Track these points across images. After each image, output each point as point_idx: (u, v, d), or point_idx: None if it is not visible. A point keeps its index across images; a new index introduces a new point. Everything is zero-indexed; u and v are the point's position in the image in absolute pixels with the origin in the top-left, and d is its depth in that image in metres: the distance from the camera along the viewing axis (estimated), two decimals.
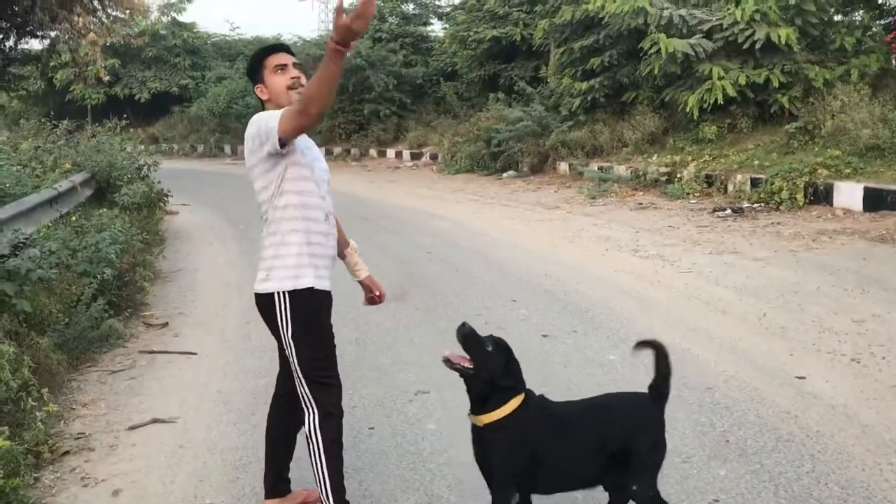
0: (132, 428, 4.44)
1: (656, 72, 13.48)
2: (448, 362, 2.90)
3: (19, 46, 15.96)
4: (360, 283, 3.50)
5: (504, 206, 12.72)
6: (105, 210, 8.42)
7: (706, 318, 5.94)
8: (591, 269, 7.81)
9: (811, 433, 3.92)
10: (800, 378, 4.64)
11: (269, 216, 3.09)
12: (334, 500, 3.05)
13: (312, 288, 3.05)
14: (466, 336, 2.90)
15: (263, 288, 3.08)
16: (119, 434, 4.37)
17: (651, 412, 2.99)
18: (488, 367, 2.86)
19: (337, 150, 23.18)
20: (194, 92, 30.83)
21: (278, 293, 3.03)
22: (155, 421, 4.51)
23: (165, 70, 31.73)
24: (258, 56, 3.19)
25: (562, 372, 4.98)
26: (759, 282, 6.88)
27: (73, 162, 9.85)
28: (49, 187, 7.78)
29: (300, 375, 3.07)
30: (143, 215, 9.55)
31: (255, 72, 3.18)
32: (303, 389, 3.09)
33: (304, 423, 3.10)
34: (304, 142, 3.14)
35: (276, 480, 3.40)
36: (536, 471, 2.90)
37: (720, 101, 12.51)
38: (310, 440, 3.07)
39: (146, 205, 9.89)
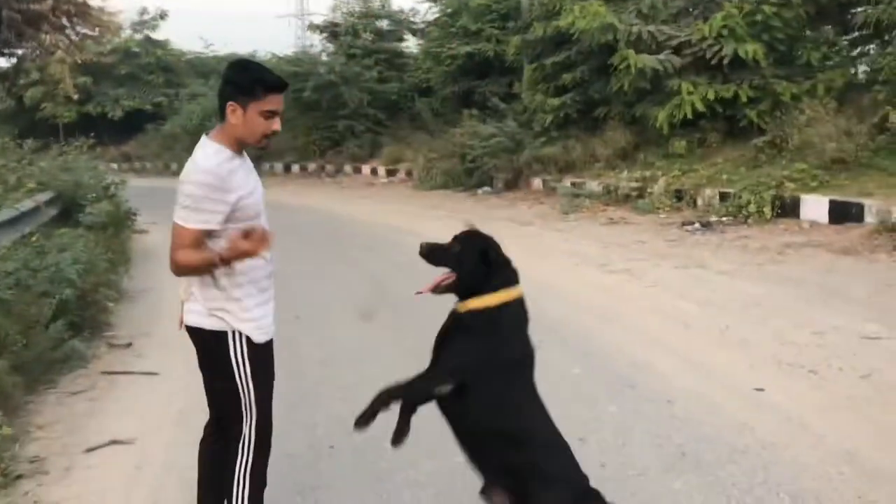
0: (89, 450, 4.38)
1: (626, 87, 13.61)
2: (432, 291, 2.77)
3: None
4: None
5: (478, 223, 12.70)
6: (68, 230, 8.34)
7: (668, 332, 5.98)
8: (559, 285, 7.83)
9: (766, 444, 3.95)
10: (758, 390, 4.68)
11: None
12: None
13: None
14: (429, 252, 2.80)
15: (211, 324, 2.91)
16: (75, 456, 4.31)
17: None
18: (467, 268, 2.72)
19: (312, 166, 23.16)
20: (168, 109, 30.65)
21: (234, 332, 2.90)
22: (113, 442, 4.46)
23: (139, 87, 31.53)
24: (254, 79, 2.84)
25: None
26: (723, 295, 6.95)
27: (37, 181, 9.75)
28: (11, 207, 7.70)
29: (253, 410, 2.95)
30: (108, 234, 9.46)
31: (239, 90, 2.84)
32: (249, 424, 2.97)
33: (236, 455, 2.98)
34: (241, 181, 2.89)
35: None
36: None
37: (689, 115, 12.67)
38: (235, 478, 2.96)
39: (112, 223, 9.80)
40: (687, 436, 4.10)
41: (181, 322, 3.02)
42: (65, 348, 5.73)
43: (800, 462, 3.73)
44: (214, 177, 2.80)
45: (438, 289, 2.77)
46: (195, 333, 2.98)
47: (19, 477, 4.02)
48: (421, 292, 2.79)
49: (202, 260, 2.83)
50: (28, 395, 5.14)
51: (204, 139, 2.92)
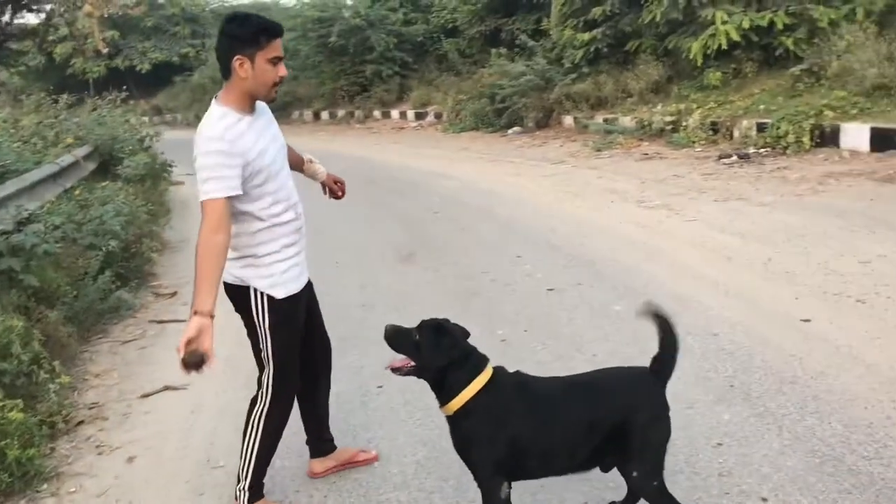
0: (145, 396, 4.52)
1: (658, 19, 13.29)
2: (395, 370, 2.76)
3: (15, 21, 15.86)
4: (322, 183, 3.52)
5: (510, 163, 12.66)
6: (108, 183, 8.45)
7: (711, 266, 5.94)
8: (596, 222, 7.80)
9: (815, 375, 3.94)
10: (805, 321, 4.65)
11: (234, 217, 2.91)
12: (250, 484, 3.11)
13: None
14: (390, 337, 2.76)
15: (236, 279, 2.99)
16: (132, 402, 4.45)
17: (650, 389, 2.71)
18: (425, 356, 2.70)
19: (340, 112, 23.05)
20: (195, 61, 30.60)
21: (255, 289, 2.98)
22: (167, 388, 4.59)
23: (165, 40, 31.48)
24: (257, 29, 2.79)
25: (567, 325, 5.00)
26: (764, 227, 6.86)
27: (74, 136, 9.84)
28: (51, 162, 7.79)
29: (272, 362, 3.05)
30: (147, 186, 9.57)
31: (243, 43, 2.78)
32: (267, 375, 3.08)
33: (253, 404, 3.13)
34: (248, 145, 2.82)
35: (317, 442, 3.46)
36: (519, 455, 2.66)
37: (724, 46, 12.32)
38: (250, 422, 3.11)
39: (150, 176, 9.90)
40: (735, 368, 4.10)
41: None
42: (113, 299, 5.88)
43: (850, 391, 3.71)
44: (222, 142, 2.76)
45: (400, 371, 2.74)
46: (226, 288, 3.03)
47: (80, 423, 4.17)
48: (389, 367, 2.77)
49: (209, 271, 2.70)
50: (82, 345, 5.29)
51: (212, 104, 2.89)
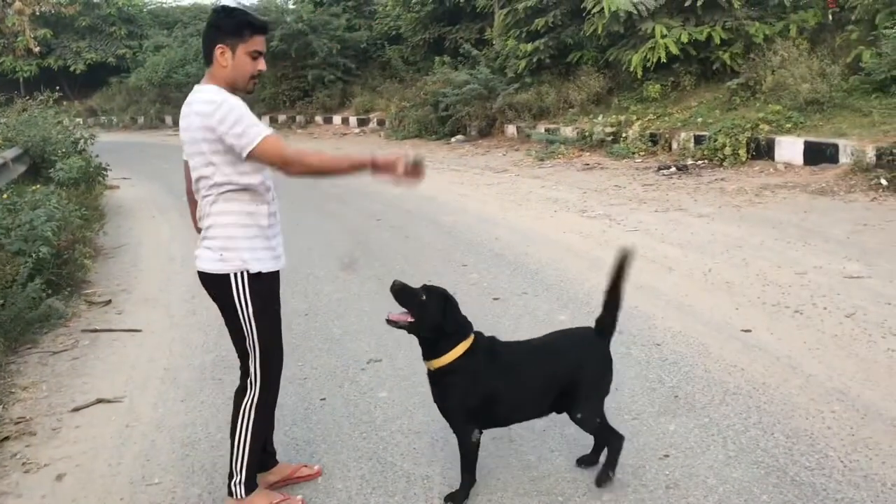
0: (76, 409, 4.33)
1: (600, 31, 13.47)
2: (391, 322, 3.00)
3: None
4: None
5: (453, 171, 12.64)
6: (40, 186, 8.14)
7: (653, 276, 5.99)
8: (539, 231, 7.82)
9: (757, 385, 3.98)
10: (745, 331, 4.72)
11: (222, 195, 2.95)
12: (245, 476, 3.07)
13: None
14: (398, 292, 3.01)
15: (217, 268, 2.98)
16: (62, 416, 4.25)
17: (595, 345, 3.17)
18: (426, 316, 2.98)
19: (282, 117, 22.79)
20: (132, 62, 29.86)
21: (236, 274, 2.96)
22: (100, 401, 4.41)
23: (101, 40, 30.63)
24: (241, 22, 2.93)
25: (513, 334, 4.95)
26: (703, 238, 6.97)
27: (3, 137, 9.48)
28: None
29: (258, 349, 3.04)
30: (80, 190, 9.27)
31: (226, 33, 2.91)
32: (255, 364, 3.06)
33: (243, 395, 3.10)
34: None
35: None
36: (491, 407, 3.06)
37: (663, 59, 12.56)
38: (240, 414, 3.08)
39: (84, 179, 9.59)
40: (678, 378, 4.13)
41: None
42: (43, 307, 5.63)
43: (791, 402, 3.77)
44: (237, 100, 2.87)
45: (399, 323, 3.00)
46: (202, 278, 3.06)
47: (6, 439, 3.97)
48: (388, 318, 3.04)
49: (330, 163, 2.94)
50: (9, 356, 5.05)
51: (198, 87, 2.96)
